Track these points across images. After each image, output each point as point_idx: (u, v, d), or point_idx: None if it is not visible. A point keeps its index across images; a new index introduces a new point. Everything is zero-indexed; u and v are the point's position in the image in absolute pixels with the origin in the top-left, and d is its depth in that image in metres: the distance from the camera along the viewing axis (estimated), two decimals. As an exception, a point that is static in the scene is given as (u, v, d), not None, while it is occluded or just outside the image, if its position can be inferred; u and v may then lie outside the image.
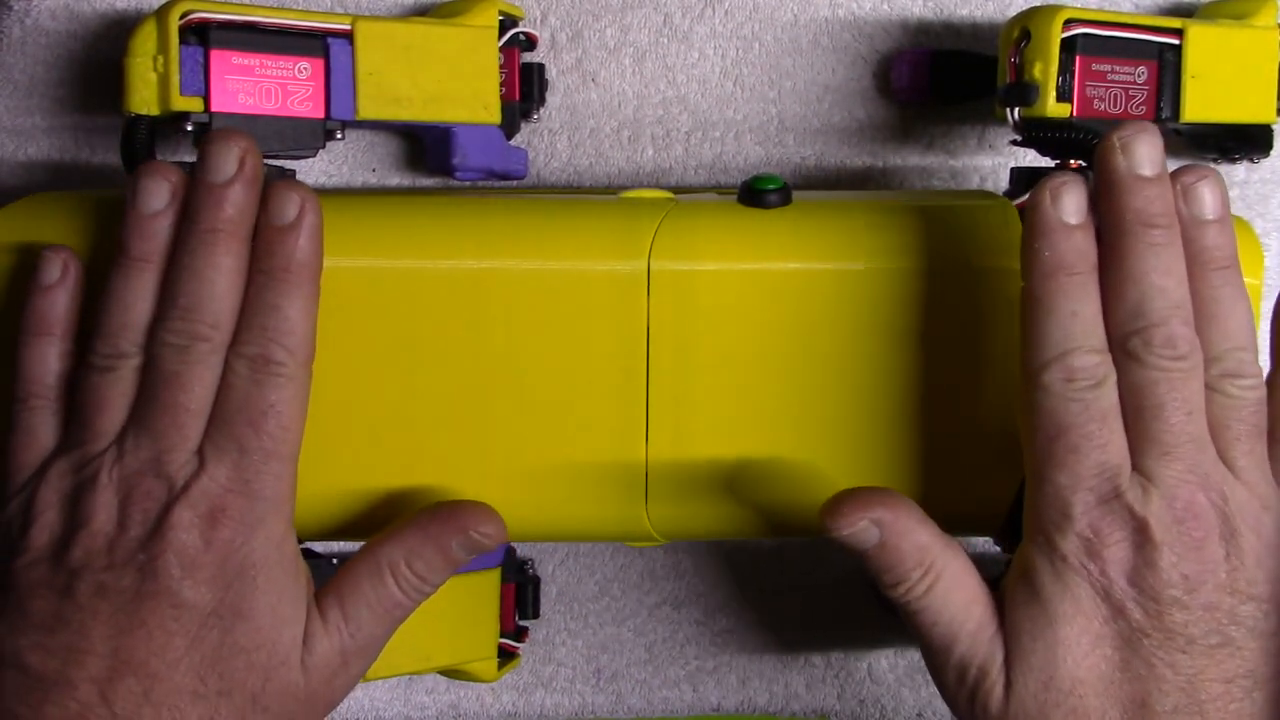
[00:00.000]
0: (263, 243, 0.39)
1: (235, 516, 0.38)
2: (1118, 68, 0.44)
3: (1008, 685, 0.38)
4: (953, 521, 0.41)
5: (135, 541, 0.37)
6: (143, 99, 0.41)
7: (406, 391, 0.42)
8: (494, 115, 0.46)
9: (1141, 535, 0.37)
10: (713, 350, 0.42)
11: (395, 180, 0.51)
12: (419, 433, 0.42)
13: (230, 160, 0.39)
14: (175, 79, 0.41)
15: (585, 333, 0.42)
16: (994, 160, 0.52)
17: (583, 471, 0.42)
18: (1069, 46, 0.43)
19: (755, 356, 0.42)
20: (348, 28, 0.43)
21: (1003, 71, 0.44)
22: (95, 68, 0.49)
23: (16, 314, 0.40)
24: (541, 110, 0.50)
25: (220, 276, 0.39)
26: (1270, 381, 0.40)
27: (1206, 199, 0.39)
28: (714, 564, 0.53)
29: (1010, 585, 0.39)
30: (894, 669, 0.54)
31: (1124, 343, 0.37)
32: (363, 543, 0.41)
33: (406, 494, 0.42)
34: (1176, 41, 0.45)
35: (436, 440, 0.42)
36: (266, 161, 0.42)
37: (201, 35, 0.41)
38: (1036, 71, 0.43)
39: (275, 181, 0.40)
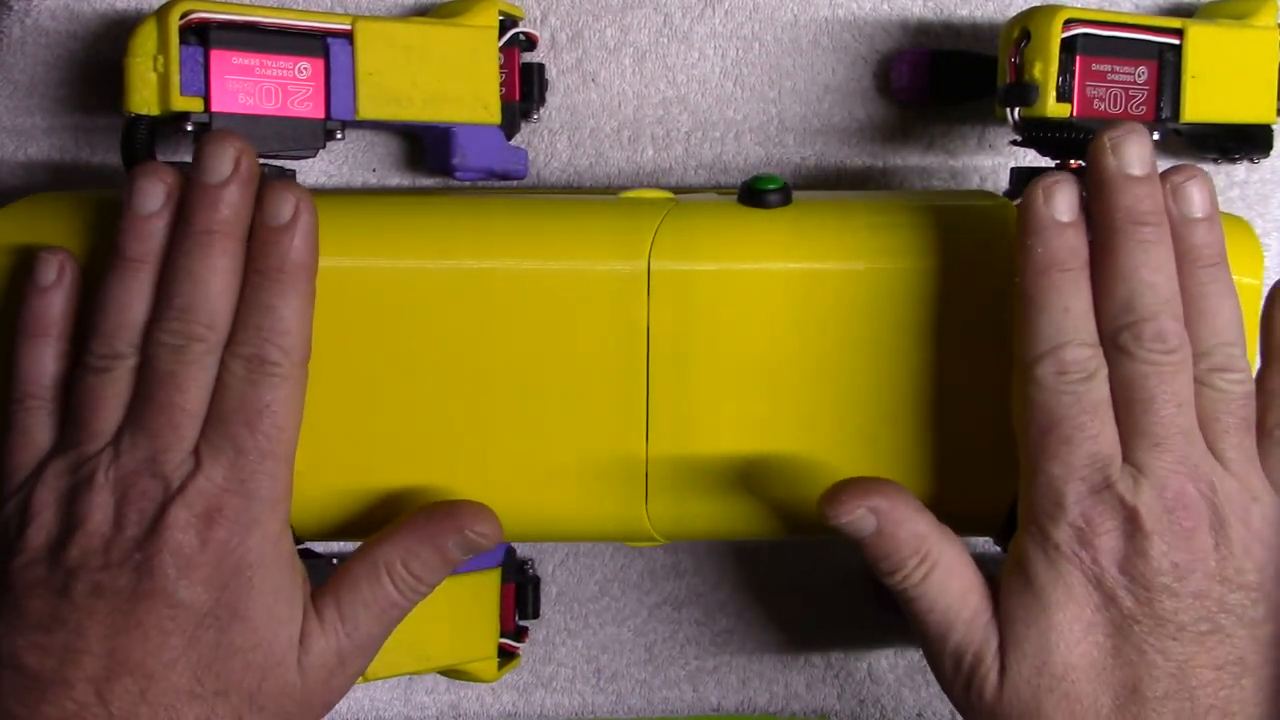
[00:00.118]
0: (258, 243, 0.39)
1: (231, 516, 0.38)
2: (1118, 68, 0.44)
3: (1002, 671, 0.38)
4: (952, 521, 0.41)
5: (131, 541, 0.37)
6: (143, 99, 0.41)
7: (407, 391, 0.42)
8: (494, 115, 0.46)
9: (1132, 524, 0.37)
10: (713, 350, 0.42)
11: (395, 180, 0.51)
12: (419, 433, 0.42)
13: (225, 161, 0.39)
14: (175, 79, 0.41)
15: (585, 333, 0.42)
16: (994, 160, 0.52)
17: (583, 471, 0.42)
18: (1069, 46, 0.43)
19: (755, 356, 0.42)
20: (348, 28, 0.43)
21: (1003, 71, 0.44)
22: (95, 68, 0.49)
23: (17, 315, 0.41)
24: (541, 110, 0.50)
25: (215, 277, 0.39)
26: (1260, 377, 0.41)
27: (1195, 198, 0.39)
28: (714, 564, 0.53)
29: (1005, 574, 0.39)
30: (894, 669, 0.54)
31: (1115, 337, 0.38)
32: (362, 543, 0.41)
33: (406, 494, 0.42)
34: (1176, 41, 0.45)
35: (436, 440, 0.42)
36: (267, 161, 0.42)
37: (201, 35, 0.41)
38: (1036, 71, 0.43)
39: (270, 182, 0.40)
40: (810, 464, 0.42)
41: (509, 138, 0.48)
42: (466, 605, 0.49)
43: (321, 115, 0.43)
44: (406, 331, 0.42)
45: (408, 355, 0.42)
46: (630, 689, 0.54)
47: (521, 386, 0.42)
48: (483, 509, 0.41)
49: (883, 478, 0.40)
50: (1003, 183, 0.51)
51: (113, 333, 0.39)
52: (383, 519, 0.42)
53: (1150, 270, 0.38)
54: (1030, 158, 0.47)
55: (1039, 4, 0.45)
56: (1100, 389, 0.38)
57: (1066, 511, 0.38)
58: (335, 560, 0.43)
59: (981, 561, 0.41)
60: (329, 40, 0.43)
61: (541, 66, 0.50)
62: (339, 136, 0.44)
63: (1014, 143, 0.44)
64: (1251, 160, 0.49)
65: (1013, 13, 0.46)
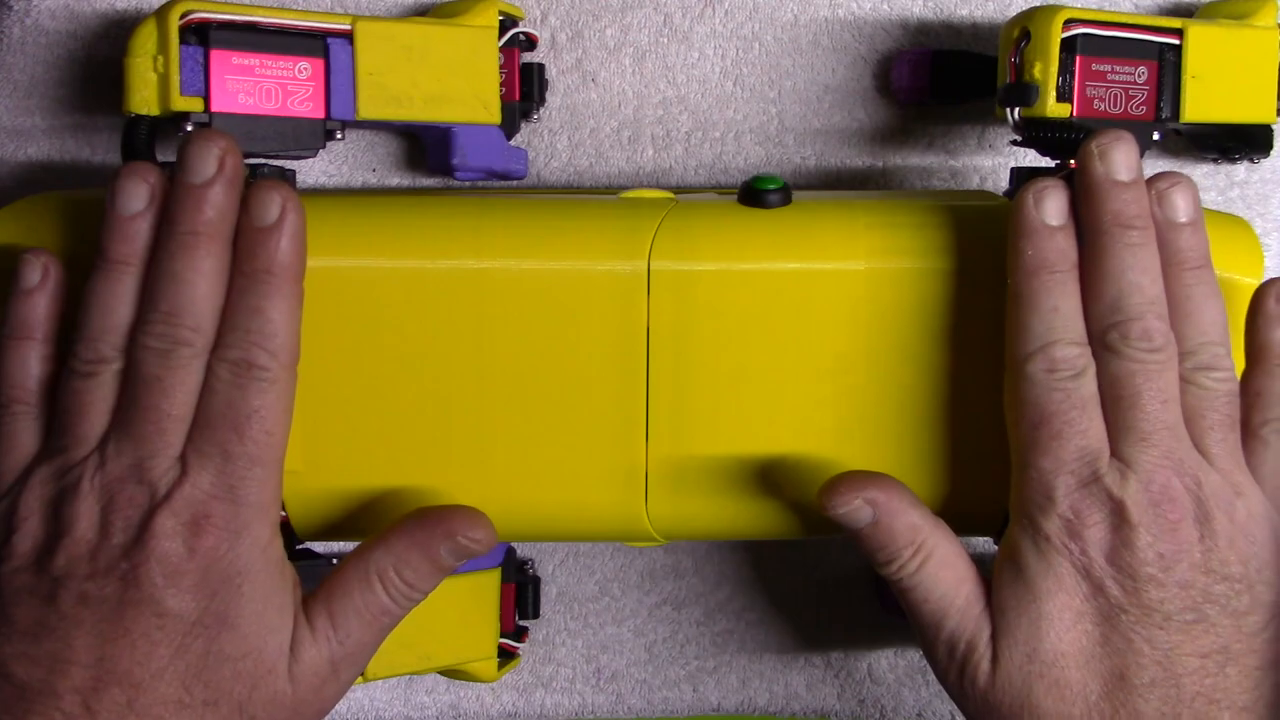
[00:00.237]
0: (244, 244, 0.39)
1: (219, 524, 0.38)
2: (1118, 68, 0.44)
3: (994, 659, 0.39)
4: (951, 521, 0.41)
5: (118, 549, 0.37)
6: (143, 99, 0.41)
7: (407, 392, 0.42)
8: (494, 115, 0.46)
9: (1119, 517, 0.38)
10: (713, 350, 0.42)
11: (395, 180, 0.51)
12: (419, 433, 0.42)
13: (209, 161, 0.39)
14: (175, 79, 0.41)
15: (585, 333, 0.42)
16: (994, 160, 0.52)
17: (583, 471, 0.42)
18: (1069, 46, 0.43)
19: (755, 356, 0.42)
20: (348, 28, 0.43)
21: (1003, 71, 0.44)
22: (95, 68, 0.49)
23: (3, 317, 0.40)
24: (541, 110, 0.50)
25: (201, 279, 0.38)
26: (1245, 378, 0.42)
27: (1179, 203, 0.41)
28: (714, 564, 0.53)
29: (997, 565, 0.40)
30: (894, 669, 0.54)
31: (1103, 336, 0.39)
32: (360, 543, 0.41)
33: (406, 494, 0.42)
34: (1176, 41, 0.45)
35: (437, 440, 0.42)
36: (267, 162, 0.42)
37: (201, 35, 0.41)
38: (1036, 71, 0.43)
39: (256, 182, 0.40)
40: (810, 464, 0.42)
41: (509, 138, 0.48)
42: (466, 605, 0.49)
43: (321, 115, 0.43)
44: (407, 331, 0.42)
45: (408, 355, 0.42)
46: (630, 689, 0.54)
47: (521, 386, 0.42)
48: (475, 514, 0.40)
49: (879, 472, 0.41)
50: (1003, 183, 0.51)
51: (97, 336, 0.38)
52: (383, 519, 0.42)
53: (1137, 272, 0.39)
54: (1030, 158, 0.47)
55: (1039, 4, 0.45)
56: (1089, 386, 0.39)
57: (1056, 504, 0.39)
58: (335, 560, 0.43)
59: (980, 561, 0.41)
60: (329, 40, 0.43)
61: (541, 66, 0.50)
62: (339, 136, 0.44)
63: (1014, 143, 0.44)
64: (1251, 160, 0.49)
65: (1013, 13, 0.46)
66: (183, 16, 0.41)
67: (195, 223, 0.38)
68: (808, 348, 0.42)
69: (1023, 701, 0.39)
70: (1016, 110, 0.43)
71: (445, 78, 0.45)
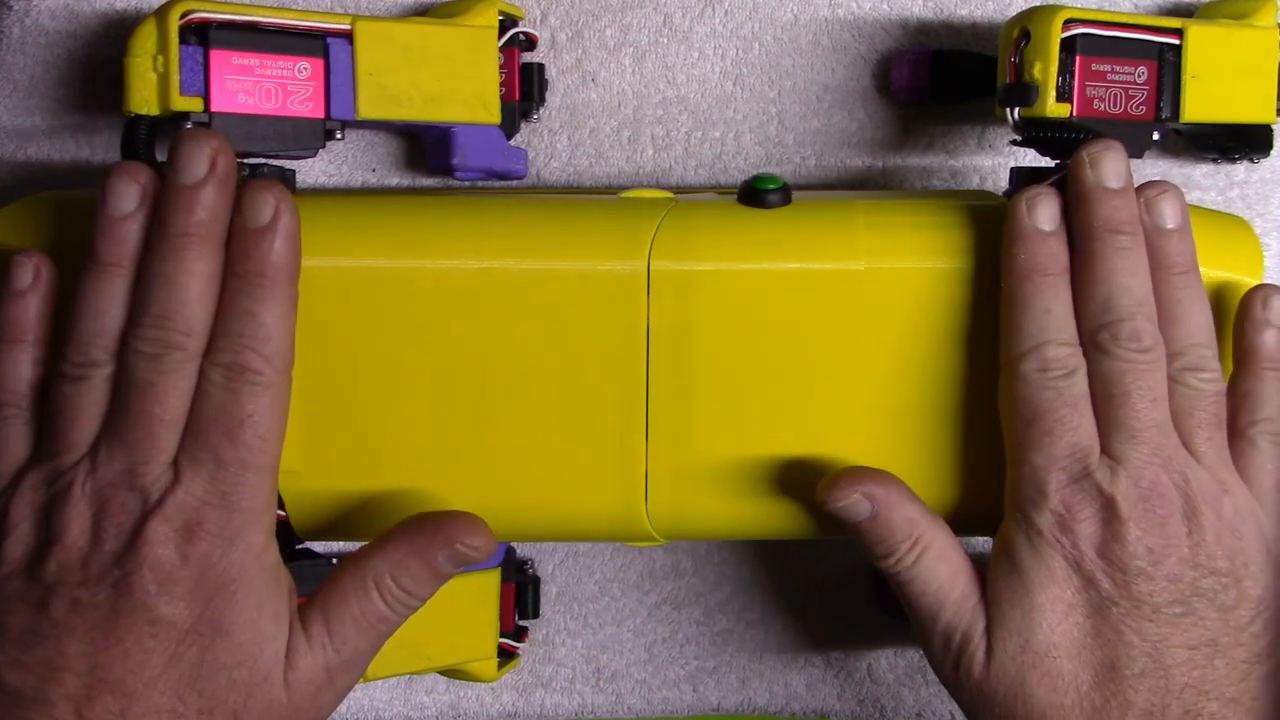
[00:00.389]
0: (237, 246, 0.39)
1: (212, 530, 0.37)
2: (1118, 68, 0.44)
3: (989, 650, 0.40)
4: (952, 520, 0.42)
5: (110, 556, 0.37)
6: (143, 99, 0.41)
7: (406, 391, 0.42)
8: (494, 115, 0.46)
9: (1109, 511, 0.39)
10: (712, 350, 0.42)
11: (395, 180, 0.51)
12: (418, 432, 0.42)
13: (201, 161, 0.38)
14: (175, 79, 0.41)
15: (585, 333, 0.42)
16: (994, 160, 0.52)
17: (583, 471, 0.42)
18: (1069, 46, 0.43)
19: (755, 356, 0.42)
20: (347, 28, 0.43)
21: (1003, 71, 0.44)
22: (95, 68, 0.49)
23: None
24: (541, 110, 0.50)
25: (193, 282, 0.38)
26: (1232, 379, 0.43)
27: (1167, 211, 0.42)
28: (714, 564, 0.53)
29: (992, 559, 0.41)
30: (894, 669, 0.54)
31: (1093, 336, 0.40)
32: (362, 543, 0.41)
33: (406, 494, 0.42)
34: (1176, 41, 0.45)
35: (436, 440, 0.42)
36: (267, 162, 0.42)
37: (201, 35, 0.41)
38: (1036, 71, 0.43)
39: (249, 182, 0.39)
40: (809, 463, 0.42)
41: (509, 138, 0.48)
42: (466, 605, 0.49)
43: (321, 115, 0.43)
44: (406, 331, 0.42)
45: (408, 355, 0.42)
46: (630, 689, 0.54)
47: (521, 386, 0.42)
48: (474, 520, 0.40)
49: (876, 468, 0.41)
50: (1003, 183, 0.51)
51: (88, 340, 0.38)
52: (383, 518, 0.42)
53: (1126, 275, 0.40)
54: (1030, 158, 0.47)
55: (1039, 4, 0.45)
56: (1080, 385, 0.40)
57: (1048, 499, 0.40)
58: (335, 560, 0.43)
59: (979, 561, 0.41)
60: (329, 40, 0.43)
61: (541, 66, 0.50)
62: (339, 136, 0.44)
63: (1014, 143, 0.44)
64: (1251, 160, 0.49)
65: (1013, 13, 0.46)
66: (183, 16, 0.41)
67: (187, 224, 0.38)
68: (807, 348, 0.42)
69: (1016, 691, 0.39)
70: (1016, 110, 0.43)
71: (445, 78, 0.45)
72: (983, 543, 0.52)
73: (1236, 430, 0.42)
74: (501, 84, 0.47)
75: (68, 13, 0.48)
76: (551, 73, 0.50)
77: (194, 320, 0.38)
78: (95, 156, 0.50)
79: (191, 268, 0.38)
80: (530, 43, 0.49)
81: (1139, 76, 0.44)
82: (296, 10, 0.44)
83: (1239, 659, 0.40)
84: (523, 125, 0.50)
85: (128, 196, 0.39)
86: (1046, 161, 0.44)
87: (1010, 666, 0.40)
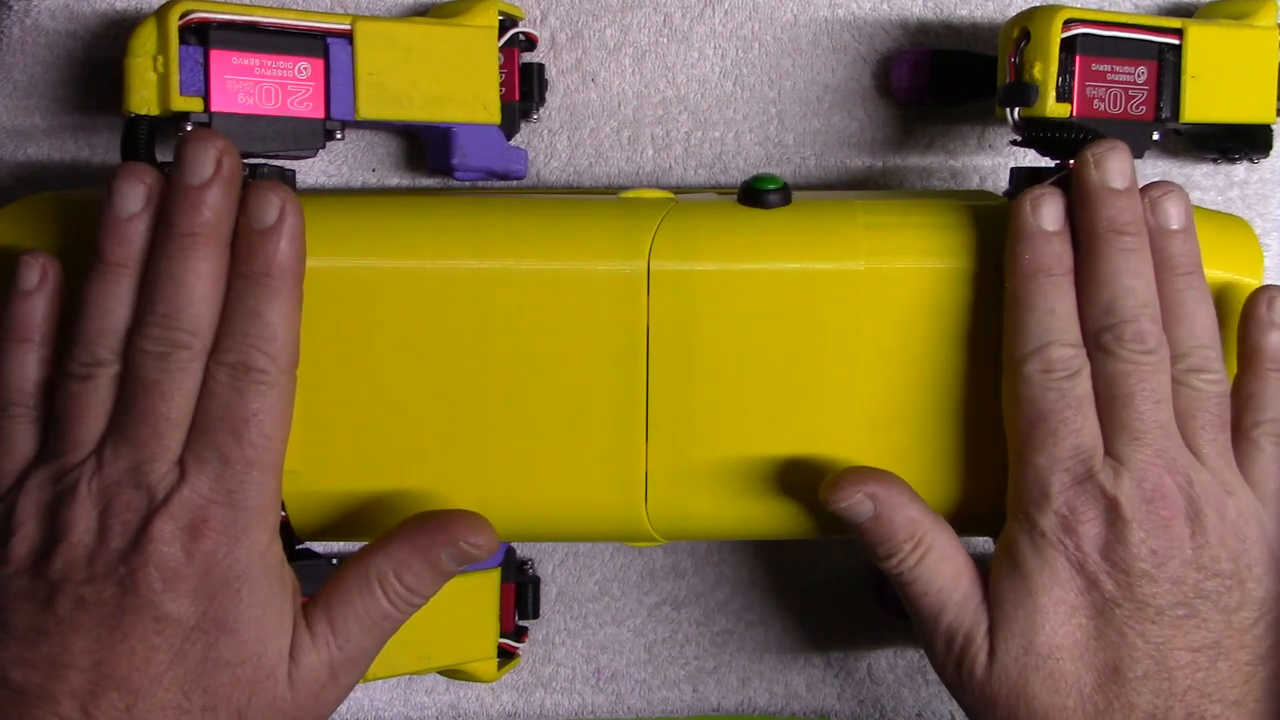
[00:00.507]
0: (243, 246, 0.39)
1: (218, 528, 0.37)
2: (1117, 68, 0.44)
3: (991, 651, 0.40)
4: (953, 520, 0.42)
5: (115, 554, 0.37)
6: (143, 99, 0.41)
7: (407, 392, 0.42)
8: (494, 115, 0.46)
9: (1113, 513, 0.39)
10: (712, 350, 0.42)
11: (395, 180, 0.51)
12: (419, 433, 0.42)
13: (206, 162, 0.38)
14: (175, 79, 0.41)
15: (585, 333, 0.42)
16: (994, 160, 0.52)
17: (583, 471, 0.42)
18: (1069, 46, 0.43)
19: (755, 356, 0.42)
20: (347, 28, 0.43)
21: (1003, 71, 0.44)
22: (95, 68, 0.49)
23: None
24: (541, 110, 0.50)
25: (199, 282, 0.38)
26: (1236, 380, 0.42)
27: (1171, 212, 0.42)
28: (714, 564, 0.53)
29: (995, 560, 0.41)
30: (894, 669, 0.54)
31: (1097, 337, 0.40)
32: (363, 543, 0.41)
33: (407, 494, 0.42)
34: (1176, 41, 0.45)
35: (436, 440, 0.42)
36: (267, 162, 0.42)
37: (201, 35, 0.41)
38: (1036, 71, 0.43)
39: (254, 183, 0.40)
40: (810, 463, 0.42)
41: (509, 138, 0.48)
42: (466, 605, 0.49)
43: (321, 115, 0.43)
44: (406, 331, 0.42)
45: (408, 355, 0.42)
46: (630, 689, 0.54)
47: (521, 386, 0.42)
48: (477, 519, 0.40)
49: (879, 468, 0.41)
50: (1003, 183, 0.51)
51: (94, 339, 0.38)
52: (383, 520, 0.42)
53: (1130, 276, 0.40)
54: (1030, 158, 0.47)
55: (1039, 4, 0.45)
56: (1083, 386, 0.40)
57: (1051, 500, 0.40)
58: (335, 560, 0.43)
59: (980, 561, 0.41)
60: (329, 40, 0.43)
61: (541, 66, 0.50)
62: (339, 136, 0.44)
63: (1014, 143, 0.44)
64: (1251, 160, 0.49)
65: (1013, 13, 0.46)
66: (183, 16, 0.41)
67: (193, 224, 0.38)
68: (807, 348, 0.42)
69: (1019, 693, 0.39)
70: (1016, 110, 0.43)
71: (445, 78, 0.45)
72: (983, 543, 0.52)
73: (1240, 431, 0.42)
74: (501, 84, 0.47)
75: (68, 13, 0.48)
76: (551, 73, 0.50)
77: (200, 320, 0.38)
78: (95, 156, 0.50)
79: (197, 268, 0.38)
80: (530, 43, 0.49)
81: (1139, 76, 0.44)
82: (296, 10, 0.44)
83: (1242, 661, 0.39)
84: (523, 125, 0.50)
85: (133, 197, 0.39)
86: (1046, 161, 0.44)
87: (1013, 668, 0.39)
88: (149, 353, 0.38)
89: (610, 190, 0.48)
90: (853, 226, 0.42)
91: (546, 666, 0.53)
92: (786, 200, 0.43)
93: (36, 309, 0.40)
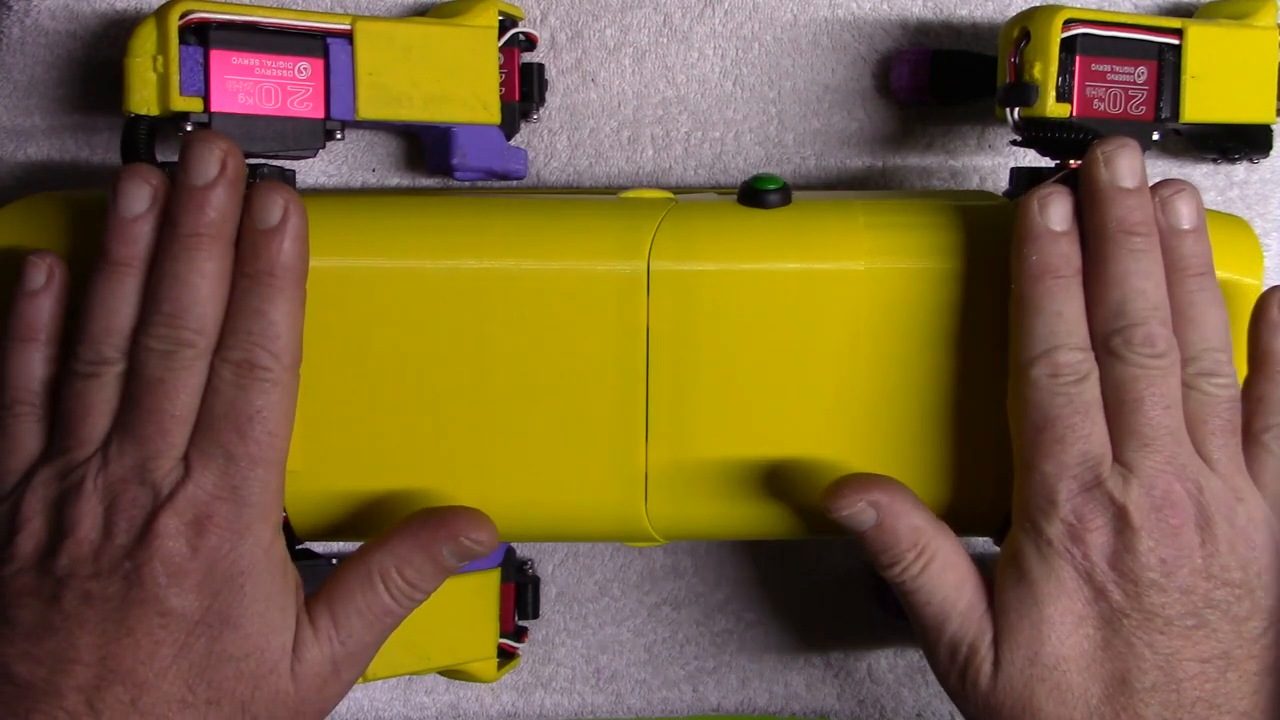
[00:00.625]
0: (247, 246, 0.39)
1: (222, 524, 0.38)
2: (1117, 68, 0.44)
3: (996, 662, 0.39)
4: (951, 520, 0.41)
5: (121, 549, 0.37)
6: (143, 99, 0.41)
7: (407, 392, 0.42)
8: (494, 115, 0.46)
9: (1121, 521, 0.39)
10: (713, 350, 0.42)
11: (395, 180, 0.51)
12: (419, 433, 0.42)
13: (211, 163, 0.39)
14: (175, 79, 0.41)
15: (585, 333, 0.42)
16: (994, 160, 0.52)
17: (583, 471, 0.42)
18: (1069, 46, 0.43)
19: (755, 356, 0.42)
20: (347, 28, 0.43)
21: (1002, 71, 0.44)
22: (95, 68, 0.49)
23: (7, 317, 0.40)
24: (541, 110, 0.50)
25: (204, 281, 0.38)
26: (1247, 383, 0.42)
27: (1183, 211, 0.41)
28: (714, 564, 0.53)
29: (1000, 568, 0.40)
30: (894, 669, 0.54)
31: (1106, 341, 0.40)
32: (363, 543, 0.41)
33: (406, 494, 0.42)
34: (1176, 41, 0.45)
35: (436, 440, 0.42)
36: (267, 162, 0.42)
37: (201, 35, 0.41)
38: (1036, 71, 0.43)
39: (258, 184, 0.40)
40: (809, 463, 0.42)
41: (509, 138, 0.48)
42: (466, 605, 0.49)
43: (321, 115, 0.43)
44: (406, 332, 0.42)
45: (407, 355, 0.42)
46: (630, 689, 0.54)
47: (521, 386, 0.42)
48: (478, 515, 0.40)
49: (882, 474, 0.41)
50: (1003, 183, 0.51)
51: (100, 338, 0.39)
52: (383, 519, 0.42)
53: (1140, 277, 0.40)
54: (1030, 158, 0.47)
55: (1039, 4, 0.45)
56: (1092, 390, 0.39)
57: (1059, 508, 0.39)
58: (335, 560, 0.43)
59: (980, 562, 0.41)
60: (329, 40, 0.43)
61: (541, 66, 0.50)
62: (339, 136, 0.44)
63: (1014, 143, 0.44)
64: (1251, 160, 0.49)
65: (1013, 13, 0.46)
66: (182, 16, 0.41)
67: (197, 224, 0.39)
68: (807, 348, 0.42)
69: (1024, 705, 0.39)
70: (1016, 110, 0.43)
71: (445, 78, 0.45)
72: (983, 543, 0.52)
73: (1250, 435, 0.41)
74: (501, 84, 0.47)
75: (68, 13, 0.48)
76: (551, 73, 0.50)
77: (205, 318, 0.38)
78: (95, 156, 0.50)
79: (202, 267, 0.38)
80: (530, 43, 0.49)
81: (1139, 76, 0.44)
82: (296, 10, 0.44)
83: (1251, 671, 0.39)
84: (523, 125, 0.50)
85: (139, 198, 0.39)
86: (1046, 161, 0.44)
87: (1018, 679, 0.39)
88: (154, 351, 0.38)
89: (610, 190, 0.48)
90: (853, 226, 0.42)
91: (546, 666, 0.53)
92: (786, 200, 0.43)
93: (43, 308, 0.40)
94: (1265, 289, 0.43)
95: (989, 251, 0.42)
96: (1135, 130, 0.44)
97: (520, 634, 0.52)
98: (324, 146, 0.44)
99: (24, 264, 0.40)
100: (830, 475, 0.42)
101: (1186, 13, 0.50)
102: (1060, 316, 0.40)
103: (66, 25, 0.48)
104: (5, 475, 0.39)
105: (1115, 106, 0.44)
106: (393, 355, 0.42)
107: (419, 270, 0.42)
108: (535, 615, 0.52)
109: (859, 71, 0.51)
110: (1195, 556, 0.39)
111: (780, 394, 0.42)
